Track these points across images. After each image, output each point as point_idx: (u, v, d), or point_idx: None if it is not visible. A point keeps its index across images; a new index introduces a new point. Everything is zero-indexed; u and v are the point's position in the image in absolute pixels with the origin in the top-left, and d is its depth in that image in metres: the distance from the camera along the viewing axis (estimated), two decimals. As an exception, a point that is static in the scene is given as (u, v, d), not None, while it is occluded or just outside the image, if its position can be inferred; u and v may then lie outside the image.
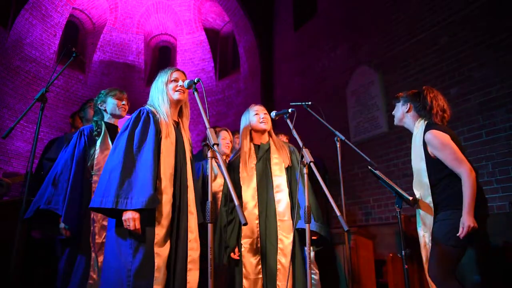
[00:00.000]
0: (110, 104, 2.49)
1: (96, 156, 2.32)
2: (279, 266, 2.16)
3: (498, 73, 3.32)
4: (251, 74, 7.39)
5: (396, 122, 2.38)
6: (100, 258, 2.14)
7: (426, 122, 2.22)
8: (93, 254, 2.18)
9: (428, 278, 2.11)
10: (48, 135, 6.92)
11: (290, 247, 2.20)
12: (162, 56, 9.05)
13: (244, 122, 2.44)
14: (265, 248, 2.19)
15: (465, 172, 1.99)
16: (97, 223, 2.21)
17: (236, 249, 2.21)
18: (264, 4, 7.32)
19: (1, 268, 2.55)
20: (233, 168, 2.38)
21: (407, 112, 2.29)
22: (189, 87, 1.89)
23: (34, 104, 2.24)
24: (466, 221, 1.93)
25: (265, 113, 2.42)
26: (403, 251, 2.19)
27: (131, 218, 1.63)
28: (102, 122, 2.47)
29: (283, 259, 2.18)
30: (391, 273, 3.38)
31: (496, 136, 3.28)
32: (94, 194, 1.72)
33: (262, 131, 2.41)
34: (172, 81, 1.98)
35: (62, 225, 2.15)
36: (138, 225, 1.64)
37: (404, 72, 4.28)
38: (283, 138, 3.46)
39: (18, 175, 4.89)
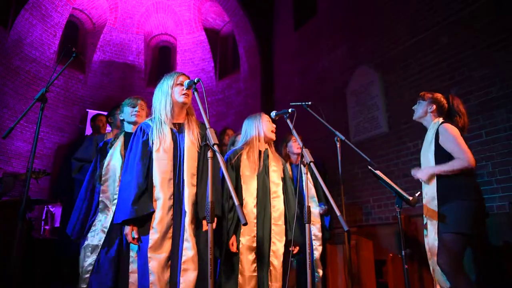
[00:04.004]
0: (126, 112, 2.59)
1: (105, 166, 2.40)
2: (271, 268, 2.27)
3: (498, 73, 3.32)
4: (251, 74, 7.39)
5: (415, 117, 2.55)
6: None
7: (443, 120, 2.40)
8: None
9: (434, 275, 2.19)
10: (48, 135, 6.92)
11: (282, 250, 2.33)
12: (162, 56, 9.05)
13: (255, 126, 2.52)
14: (260, 248, 2.28)
15: (465, 158, 2.19)
16: None
17: (235, 243, 2.25)
18: (264, 4, 7.32)
19: (1, 268, 2.55)
20: (234, 165, 2.42)
21: (431, 112, 2.46)
22: (189, 87, 1.89)
23: (34, 104, 2.23)
24: (422, 171, 2.29)
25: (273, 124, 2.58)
26: (403, 251, 2.21)
27: (127, 233, 1.85)
28: (122, 134, 2.54)
29: (275, 261, 2.30)
30: (391, 273, 3.38)
31: (496, 136, 3.27)
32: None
33: (270, 140, 2.55)
34: (178, 84, 2.01)
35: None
36: (130, 239, 1.84)
37: (404, 72, 4.28)
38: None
39: (19, 173, 4.88)
